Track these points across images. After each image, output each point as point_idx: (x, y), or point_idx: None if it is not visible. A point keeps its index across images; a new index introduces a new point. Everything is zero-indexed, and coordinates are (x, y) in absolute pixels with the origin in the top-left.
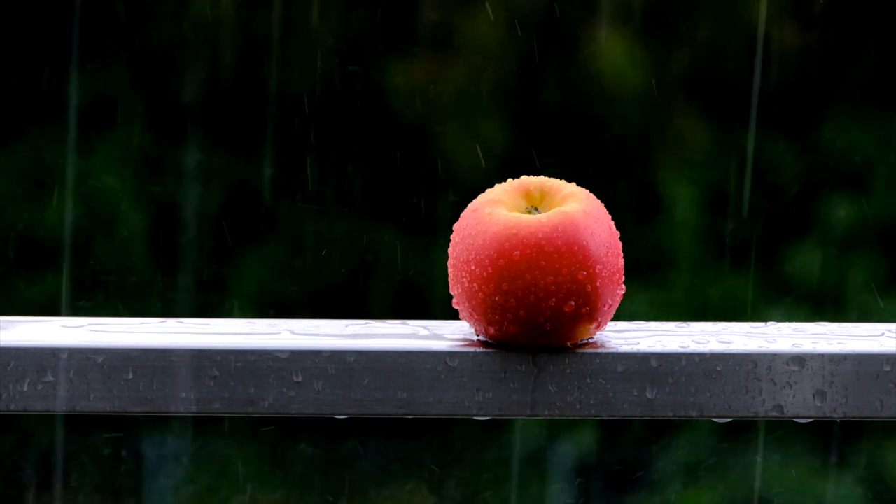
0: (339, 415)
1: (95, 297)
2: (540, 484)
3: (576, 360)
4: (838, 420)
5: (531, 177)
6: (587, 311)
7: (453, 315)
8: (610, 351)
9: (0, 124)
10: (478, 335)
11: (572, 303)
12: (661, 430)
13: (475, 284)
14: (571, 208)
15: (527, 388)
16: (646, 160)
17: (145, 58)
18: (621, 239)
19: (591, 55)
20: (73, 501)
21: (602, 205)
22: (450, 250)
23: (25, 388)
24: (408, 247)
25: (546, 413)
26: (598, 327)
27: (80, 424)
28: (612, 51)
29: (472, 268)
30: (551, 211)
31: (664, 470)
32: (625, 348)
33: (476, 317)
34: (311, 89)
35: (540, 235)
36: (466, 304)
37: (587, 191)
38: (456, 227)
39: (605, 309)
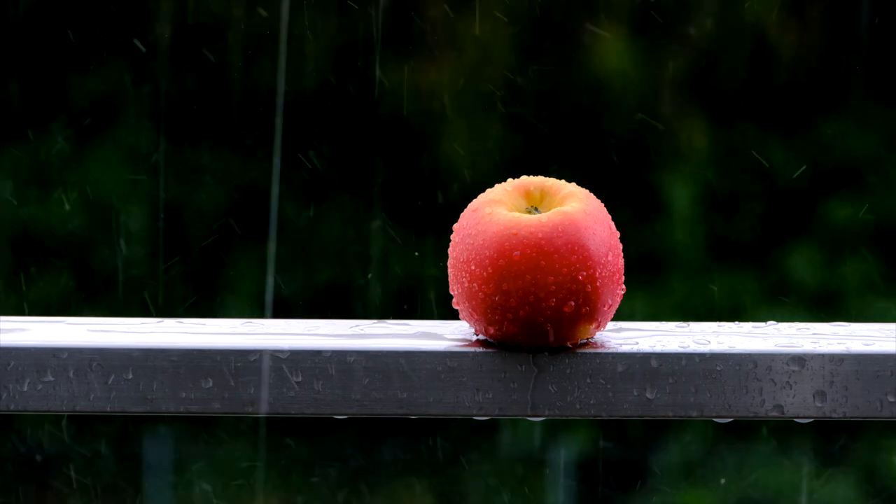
0: (339, 415)
1: (96, 297)
2: (539, 484)
3: (576, 360)
4: (838, 420)
5: (531, 177)
6: (587, 311)
7: (453, 315)
8: (610, 351)
9: (0, 124)
10: (478, 335)
11: (572, 303)
12: (660, 430)
13: (475, 284)
14: (571, 208)
15: (527, 388)
16: (645, 160)
17: (145, 57)
18: (621, 239)
19: (590, 54)
20: (73, 501)
21: (602, 205)
22: (450, 250)
23: (25, 388)
24: (407, 247)
25: (546, 413)
26: (598, 327)
27: (80, 424)
28: (611, 50)
29: (472, 268)
30: (551, 211)
31: (664, 470)
32: (625, 348)
33: (476, 317)
34: (310, 89)
35: (540, 235)
36: (466, 304)
37: (587, 191)
38: (456, 227)
39: (605, 309)
